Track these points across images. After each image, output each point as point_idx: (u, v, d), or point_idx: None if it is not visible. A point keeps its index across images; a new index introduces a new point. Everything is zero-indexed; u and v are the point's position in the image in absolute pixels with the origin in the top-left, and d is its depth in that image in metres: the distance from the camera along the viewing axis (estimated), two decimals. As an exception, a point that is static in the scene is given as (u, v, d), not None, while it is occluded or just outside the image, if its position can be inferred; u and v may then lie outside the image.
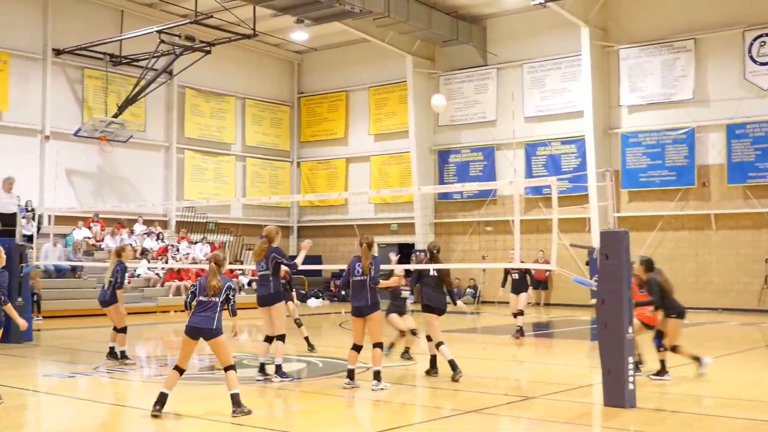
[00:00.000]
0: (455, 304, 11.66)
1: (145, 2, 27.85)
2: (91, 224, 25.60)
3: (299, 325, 14.17)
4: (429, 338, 11.29)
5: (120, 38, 26.77)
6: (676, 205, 25.17)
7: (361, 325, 10.16)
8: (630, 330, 8.96)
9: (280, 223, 32.33)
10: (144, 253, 25.55)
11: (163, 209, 29.22)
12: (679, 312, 10.95)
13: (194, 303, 8.64)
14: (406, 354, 12.70)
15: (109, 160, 27.43)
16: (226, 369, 8.52)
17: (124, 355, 12.43)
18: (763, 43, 23.92)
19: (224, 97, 31.36)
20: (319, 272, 29.62)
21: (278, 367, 10.60)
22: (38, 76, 25.85)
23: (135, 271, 24.46)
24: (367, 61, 31.45)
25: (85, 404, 9.71)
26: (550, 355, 15.53)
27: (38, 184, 25.17)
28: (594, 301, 9.33)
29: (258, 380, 10.65)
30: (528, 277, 16.79)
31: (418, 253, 23.21)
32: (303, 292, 29.01)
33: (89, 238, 24.99)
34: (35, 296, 19.30)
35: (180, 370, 8.57)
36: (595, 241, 11.01)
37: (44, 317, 20.15)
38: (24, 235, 16.73)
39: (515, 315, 16.73)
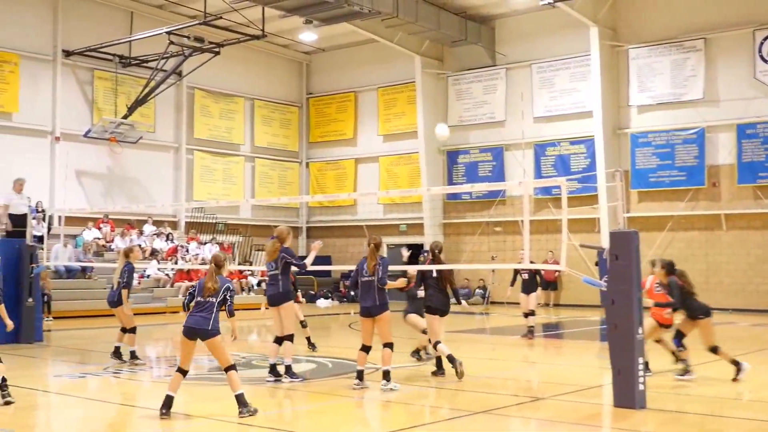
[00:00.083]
0: (459, 303, 11.64)
1: (154, 3, 27.92)
2: (101, 225, 25.68)
3: (304, 326, 14.20)
4: (438, 342, 11.25)
5: (129, 39, 26.84)
6: (686, 206, 25.08)
7: (370, 325, 10.16)
8: (640, 331, 8.93)
9: (289, 223, 32.35)
10: (153, 253, 25.63)
11: (172, 210, 29.29)
12: (705, 311, 10.88)
13: (192, 304, 8.64)
14: (416, 354, 12.66)
15: (119, 161, 27.52)
16: (227, 369, 8.49)
17: (134, 356, 12.45)
18: (773, 43, 23.84)
19: (233, 98, 31.41)
20: (328, 273, 29.63)
21: (288, 368, 10.61)
22: (48, 78, 25.95)
23: (145, 271, 24.54)
24: (376, 61, 31.45)
25: (96, 405, 9.74)
26: (560, 355, 15.49)
27: (48, 185, 25.26)
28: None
29: (268, 381, 10.65)
30: (537, 278, 16.83)
31: (425, 254, 23.20)
32: (312, 292, 29.04)
33: (99, 238, 25.06)
34: (46, 297, 19.37)
35: (183, 372, 8.56)
36: (605, 242, 10.97)
37: (54, 318, 20.22)
38: (34, 236, 16.77)
39: (526, 315, 16.74)
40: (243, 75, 31.43)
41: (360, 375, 10.10)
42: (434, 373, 11.22)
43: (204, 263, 25.02)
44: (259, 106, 32.39)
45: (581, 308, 25.08)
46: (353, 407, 9.55)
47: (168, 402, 8.35)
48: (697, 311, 10.84)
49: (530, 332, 16.60)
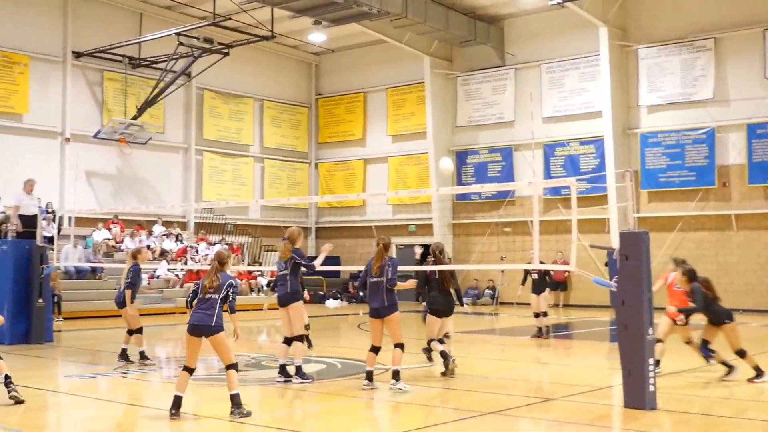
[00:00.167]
0: (461, 305, 11.61)
1: (163, 5, 27.99)
2: (111, 226, 25.75)
3: (307, 328, 14.18)
4: (440, 341, 11.23)
5: (139, 41, 26.93)
6: (696, 206, 24.98)
7: (379, 326, 10.15)
8: (650, 331, 8.89)
9: (298, 224, 32.34)
10: (163, 254, 25.69)
11: (182, 211, 29.36)
12: (729, 316, 10.82)
13: (195, 302, 8.64)
14: (428, 352, 12.57)
15: (129, 161, 27.60)
16: (227, 368, 8.47)
17: (143, 356, 12.46)
18: (784, 42, 23.73)
19: (242, 99, 31.46)
20: (337, 273, 29.64)
21: (298, 368, 10.58)
22: (58, 79, 26.04)
23: (155, 272, 24.61)
24: (385, 62, 31.46)
25: (106, 405, 9.76)
26: (570, 356, 15.45)
27: (58, 186, 25.35)
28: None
29: (278, 382, 10.66)
30: (546, 278, 16.81)
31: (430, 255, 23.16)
32: (321, 293, 29.06)
33: (109, 239, 25.13)
34: (56, 297, 19.43)
35: (189, 370, 8.52)
36: (615, 242, 10.93)
37: (65, 318, 20.29)
38: (44, 237, 16.83)
39: (536, 315, 16.71)
40: (252, 76, 31.48)
41: (369, 376, 10.08)
42: (443, 374, 11.20)
43: (213, 264, 25.08)
44: (268, 106, 32.44)
45: (591, 309, 25.03)
46: (362, 408, 9.54)
47: (177, 402, 8.35)
48: (721, 316, 10.78)
49: (540, 332, 16.59)
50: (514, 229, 27.38)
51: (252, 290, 26.75)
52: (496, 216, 28.24)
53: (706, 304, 10.73)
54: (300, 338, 10.71)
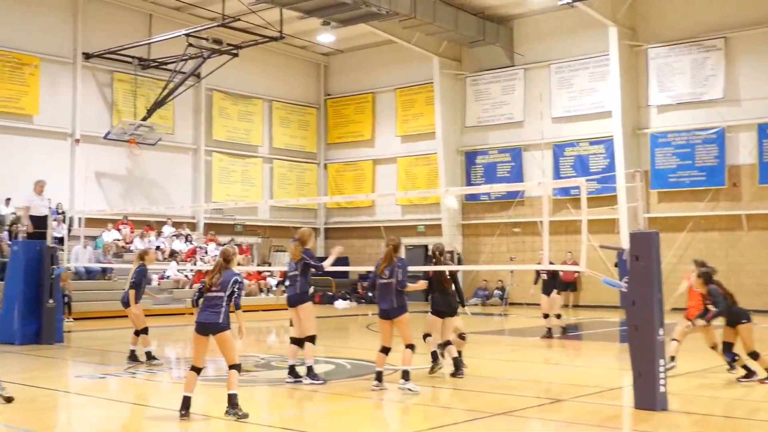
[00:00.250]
0: (462, 305, 11.60)
1: (173, 6, 28.06)
2: (121, 226, 25.81)
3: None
4: (447, 343, 11.20)
5: (148, 42, 27.00)
6: (706, 206, 24.89)
7: (389, 327, 10.13)
8: (661, 332, 8.85)
9: (307, 224, 32.40)
10: (173, 255, 25.75)
11: (191, 211, 29.41)
12: (745, 316, 10.76)
13: (202, 300, 8.61)
14: (442, 348, 12.45)
15: (138, 162, 27.66)
16: (230, 367, 8.43)
17: (150, 356, 12.45)
18: (795, 41, 23.63)
19: (251, 100, 31.51)
20: (346, 274, 29.65)
21: (309, 369, 10.53)
22: (68, 80, 26.13)
23: (164, 272, 24.66)
24: (394, 62, 31.45)
25: (116, 405, 9.78)
26: (579, 357, 15.41)
27: (68, 187, 25.44)
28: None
29: (288, 382, 10.65)
30: (555, 279, 16.76)
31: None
32: (330, 293, 29.07)
33: (119, 240, 25.19)
34: (66, 298, 19.47)
35: (197, 370, 8.51)
36: (624, 243, 10.90)
37: (75, 319, 20.33)
38: (55, 238, 16.87)
39: (545, 316, 16.67)
40: (261, 77, 31.52)
41: (379, 376, 10.07)
42: (453, 375, 11.18)
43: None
44: (277, 107, 32.47)
45: (600, 309, 24.95)
46: (372, 408, 9.54)
47: (186, 403, 8.35)
48: (739, 317, 10.71)
49: (550, 333, 16.55)
50: (523, 230, 27.33)
51: (261, 291, 26.76)
52: (505, 216, 28.19)
53: (727, 305, 10.69)
54: (311, 339, 10.66)
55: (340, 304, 28.25)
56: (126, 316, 12.84)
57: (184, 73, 26.83)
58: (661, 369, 8.79)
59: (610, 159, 26.20)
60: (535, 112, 27.67)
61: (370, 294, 28.90)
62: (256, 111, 31.73)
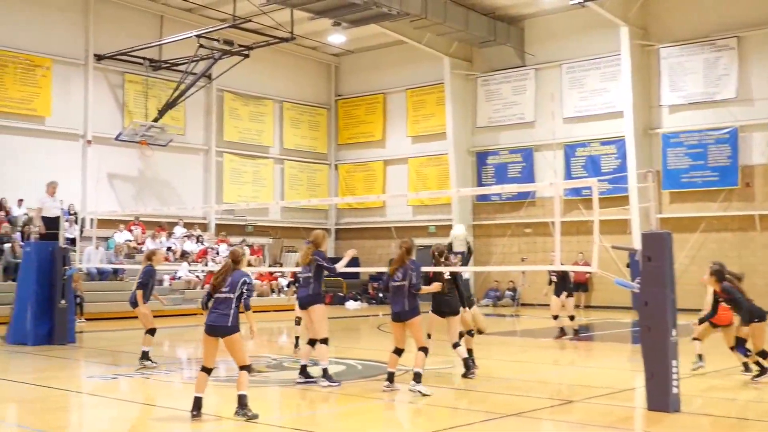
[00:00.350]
0: (464, 306, 11.60)
1: (184, 7, 28.13)
2: (132, 227, 25.90)
3: (297, 324, 14.30)
4: (457, 344, 11.16)
5: (160, 43, 27.08)
6: (719, 206, 24.76)
7: (401, 330, 10.10)
8: (674, 333, 8.81)
9: (318, 225, 32.37)
10: (184, 255, 25.81)
11: (202, 212, 29.48)
12: (760, 315, 10.69)
13: (211, 302, 8.58)
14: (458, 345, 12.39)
15: (150, 163, 27.75)
16: (241, 368, 8.41)
17: (145, 356, 12.41)
18: (808, 41, 23.48)
19: (262, 101, 31.56)
20: (356, 275, 29.64)
21: (325, 371, 10.48)
22: (80, 82, 26.23)
23: (176, 273, 24.72)
24: (404, 63, 31.43)
25: (128, 405, 9.80)
26: (591, 358, 15.35)
27: (80, 188, 25.54)
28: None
29: (298, 382, 10.65)
30: (565, 280, 16.66)
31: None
32: (341, 294, 29.07)
33: (130, 241, 25.27)
34: (78, 298, 19.55)
35: (207, 371, 8.50)
36: (636, 243, 10.85)
37: (87, 319, 20.40)
38: (67, 239, 16.97)
39: (555, 317, 16.61)
40: (272, 77, 31.57)
41: (391, 377, 10.05)
42: (464, 375, 11.15)
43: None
44: (287, 108, 32.51)
45: (612, 310, 24.87)
46: (383, 409, 9.52)
47: (197, 403, 8.35)
48: (753, 315, 10.64)
49: (563, 332, 16.49)
50: (534, 230, 27.28)
51: (273, 291, 26.79)
52: (516, 217, 28.13)
53: (746, 300, 10.64)
54: (324, 341, 10.63)
55: (351, 304, 28.26)
56: (136, 317, 12.87)
57: (195, 74, 26.89)
58: (674, 370, 8.75)
59: (621, 159, 26.10)
60: (547, 113, 27.63)
61: (381, 295, 29.14)
62: (267, 112, 31.78)
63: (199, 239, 27.26)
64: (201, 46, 25.77)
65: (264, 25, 26.61)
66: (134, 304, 12.63)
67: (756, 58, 24.29)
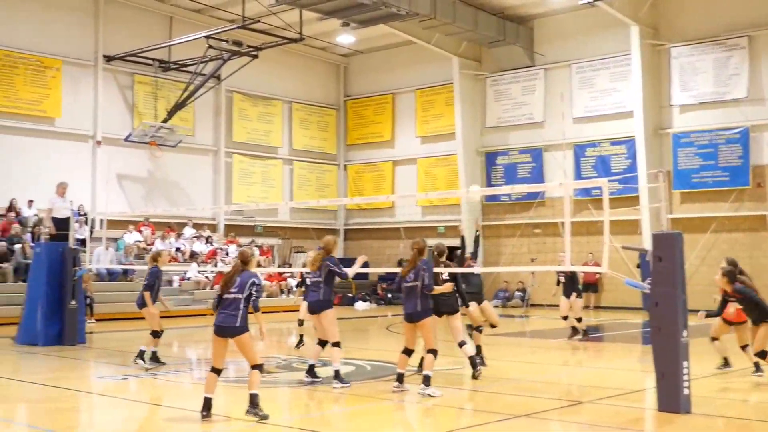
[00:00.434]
0: (466, 305, 11.58)
1: (193, 8, 28.17)
2: (142, 228, 25.95)
3: (300, 324, 14.71)
4: (463, 342, 11.14)
5: (169, 44, 27.14)
6: (730, 206, 24.63)
7: (412, 330, 10.08)
8: (684, 333, 8.76)
9: (327, 225, 32.52)
10: (193, 256, 25.84)
11: (211, 213, 29.51)
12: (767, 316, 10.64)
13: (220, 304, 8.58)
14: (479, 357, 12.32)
15: (159, 164, 27.80)
16: (252, 368, 8.41)
17: (140, 356, 12.39)
18: (819, 40, 23.34)
19: (271, 101, 31.58)
20: (366, 275, 29.64)
21: (337, 372, 10.45)
22: (90, 83, 26.31)
23: (185, 273, 24.77)
24: (414, 63, 31.41)
25: (138, 406, 9.82)
26: (601, 359, 15.29)
27: (90, 189, 25.62)
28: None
29: (305, 381, 10.65)
30: (573, 281, 16.54)
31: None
32: (350, 295, 29.06)
33: (140, 241, 25.32)
34: (88, 299, 19.59)
35: (216, 371, 8.51)
36: (647, 244, 10.80)
37: (97, 320, 20.46)
38: (77, 239, 16.99)
39: (565, 318, 16.54)
40: (281, 78, 31.59)
41: (400, 377, 10.03)
42: (474, 376, 11.11)
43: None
44: (296, 108, 32.53)
45: (622, 310, 24.78)
46: (392, 410, 9.50)
47: (207, 404, 8.36)
48: (763, 316, 10.57)
49: (575, 332, 16.43)
50: (544, 231, 27.20)
51: (282, 292, 26.80)
52: (526, 217, 28.05)
53: (760, 299, 10.60)
54: (336, 344, 10.60)
55: (360, 305, 28.24)
56: (144, 318, 12.91)
57: (204, 74, 26.94)
58: (685, 371, 8.70)
59: (631, 159, 26.00)
60: (556, 113, 27.56)
61: (390, 296, 29.13)
62: (276, 112, 31.80)
63: (208, 240, 27.30)
64: (210, 47, 25.80)
65: (273, 25, 26.63)
66: (141, 305, 12.67)
67: (767, 57, 24.15)
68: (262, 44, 26.94)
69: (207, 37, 25.67)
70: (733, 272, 10.72)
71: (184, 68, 27.52)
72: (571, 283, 16.38)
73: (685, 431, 8.14)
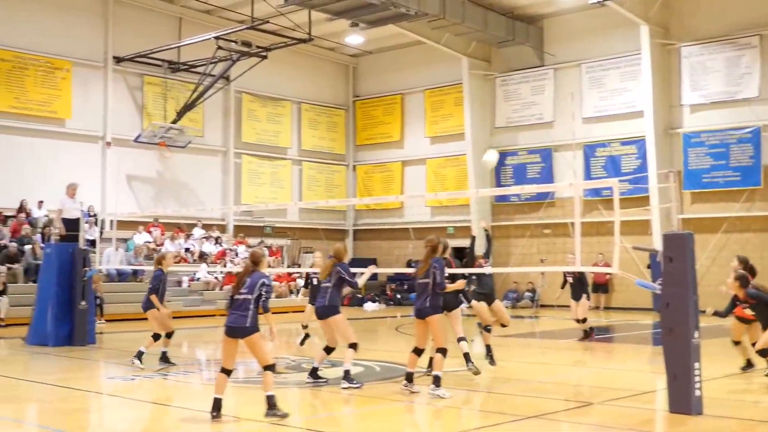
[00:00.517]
0: (468, 302, 11.54)
1: (202, 9, 28.21)
2: (151, 229, 26.00)
3: (304, 326, 14.90)
4: (462, 338, 11.11)
5: (178, 45, 27.19)
6: (741, 207, 24.50)
7: (423, 328, 10.06)
8: (696, 334, 8.70)
9: (336, 226, 32.54)
10: (203, 257, 25.88)
11: (221, 213, 29.56)
12: None
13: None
14: (488, 356, 12.31)
15: (169, 165, 27.86)
16: (264, 369, 8.40)
17: (139, 356, 12.42)
18: (831, 39, 23.19)
19: (280, 102, 31.60)
20: (374, 276, 29.56)
21: (347, 373, 10.42)
22: (99, 84, 26.38)
23: (195, 274, 24.81)
24: (423, 63, 31.38)
25: (148, 407, 9.82)
26: (611, 359, 15.23)
27: (100, 190, 25.69)
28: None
29: (307, 383, 10.66)
30: (581, 282, 16.39)
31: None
32: (359, 295, 29.05)
33: (149, 242, 25.38)
34: (98, 300, 19.65)
35: (227, 372, 8.50)
36: (657, 244, 10.74)
37: (107, 320, 20.53)
38: (87, 240, 17.03)
39: (577, 320, 16.42)
40: (290, 78, 31.60)
41: (410, 377, 10.00)
42: (473, 372, 11.08)
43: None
44: (305, 109, 32.54)
45: (632, 311, 24.69)
46: (401, 411, 9.47)
47: (217, 404, 8.35)
48: None
49: (586, 334, 16.35)
50: (554, 231, 27.12)
51: (291, 292, 26.81)
52: (535, 218, 27.99)
53: None
54: (353, 346, 10.52)
55: (369, 306, 28.21)
56: (148, 320, 12.96)
57: (213, 75, 26.97)
58: (697, 372, 8.64)
59: (642, 159, 25.90)
60: (566, 113, 27.48)
61: (399, 296, 29.09)
62: (285, 113, 31.82)
63: (217, 240, 27.34)
64: (219, 47, 25.85)
65: (282, 26, 26.64)
66: (146, 308, 12.71)
67: (778, 56, 24.05)
68: (271, 45, 26.95)
69: (216, 38, 25.71)
70: (745, 276, 10.68)
71: (194, 69, 27.57)
72: (580, 285, 16.25)
73: (697, 433, 8.09)
